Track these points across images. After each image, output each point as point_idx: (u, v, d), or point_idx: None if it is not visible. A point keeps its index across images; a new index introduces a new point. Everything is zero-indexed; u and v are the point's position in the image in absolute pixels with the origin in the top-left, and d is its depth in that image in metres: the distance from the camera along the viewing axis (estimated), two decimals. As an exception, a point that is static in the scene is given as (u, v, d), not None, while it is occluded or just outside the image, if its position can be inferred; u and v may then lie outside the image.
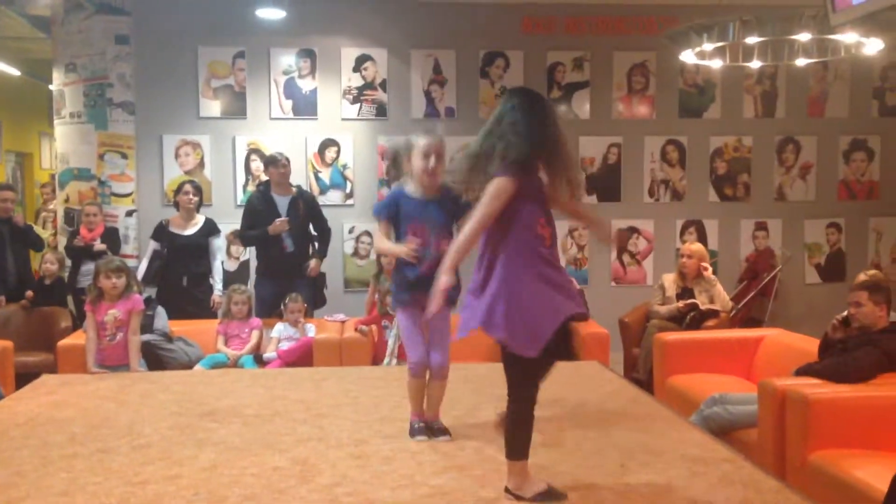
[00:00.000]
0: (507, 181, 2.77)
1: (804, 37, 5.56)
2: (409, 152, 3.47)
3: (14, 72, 11.02)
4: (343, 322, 6.13)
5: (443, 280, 2.89)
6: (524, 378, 2.87)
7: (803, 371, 4.18)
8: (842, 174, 8.66)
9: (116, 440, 3.48)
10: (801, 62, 6.24)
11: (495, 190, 2.77)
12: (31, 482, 2.96)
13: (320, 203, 6.97)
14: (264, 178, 7.73)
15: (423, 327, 3.50)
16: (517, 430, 2.85)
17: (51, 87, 8.34)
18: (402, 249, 3.38)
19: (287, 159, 6.40)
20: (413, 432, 3.54)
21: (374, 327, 5.77)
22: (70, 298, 6.93)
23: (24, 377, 5.08)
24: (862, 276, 5.28)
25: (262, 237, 6.23)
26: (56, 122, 7.98)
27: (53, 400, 4.21)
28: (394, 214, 3.50)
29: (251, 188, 7.84)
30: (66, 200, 7.75)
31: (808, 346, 4.74)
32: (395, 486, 2.91)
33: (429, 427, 3.56)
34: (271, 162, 6.35)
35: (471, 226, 2.83)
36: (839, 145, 8.63)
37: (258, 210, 6.29)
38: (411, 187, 3.51)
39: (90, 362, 4.95)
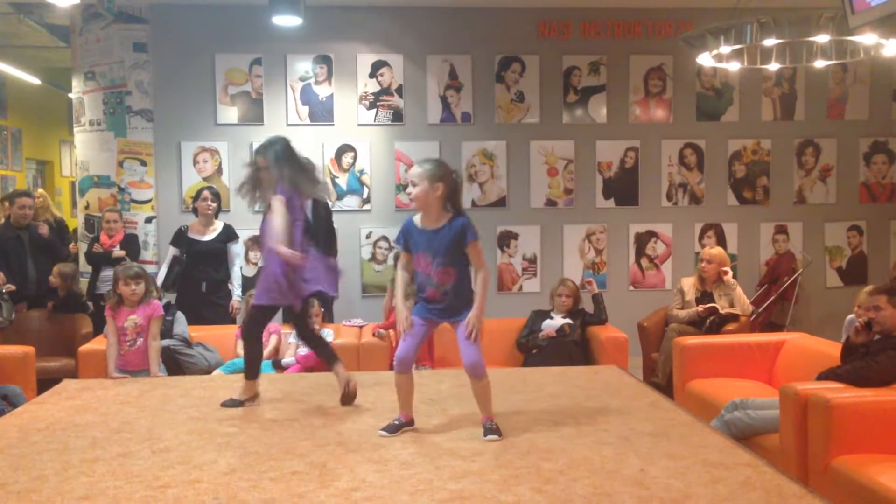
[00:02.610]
0: None
1: (822, 38, 5.52)
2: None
3: (34, 80, 11.14)
4: (361, 327, 6.14)
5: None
6: None
7: (825, 375, 4.14)
8: (862, 176, 8.59)
9: (137, 445, 3.49)
10: (819, 64, 6.20)
11: None
12: (53, 486, 2.97)
13: (337, 209, 7.47)
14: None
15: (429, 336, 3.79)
16: None
17: (70, 95, 8.43)
18: (402, 323, 3.63)
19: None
20: (387, 427, 3.62)
21: (391, 332, 5.77)
22: (91, 304, 6.98)
23: (45, 382, 5.12)
24: None
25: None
26: (76, 129, 8.06)
27: (74, 405, 4.23)
28: (408, 244, 3.64)
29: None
30: (87, 207, 7.82)
31: (830, 350, 4.70)
32: (413, 490, 2.90)
33: (483, 426, 3.60)
34: None
35: None
36: (859, 147, 8.56)
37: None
38: (419, 217, 3.65)
39: (111, 367, 4.98)
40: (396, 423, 3.64)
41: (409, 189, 3.57)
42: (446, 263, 3.54)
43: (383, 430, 3.59)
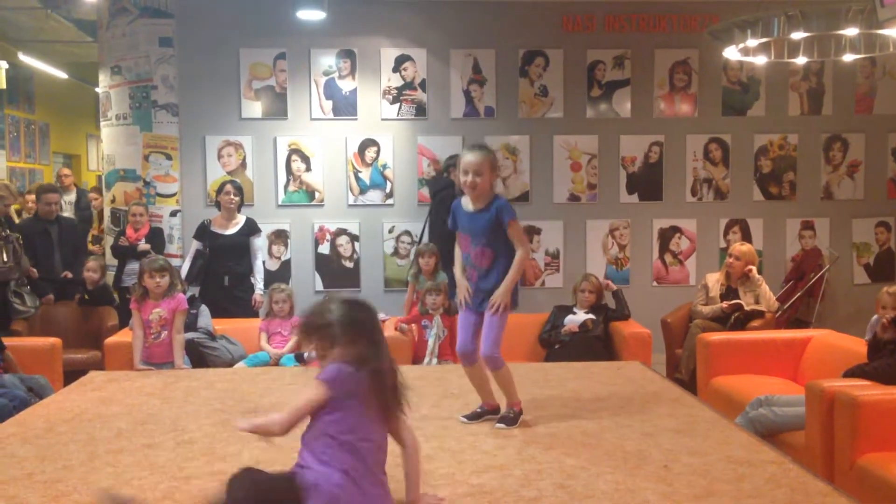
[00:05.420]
0: None
1: (851, 32, 5.45)
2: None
3: (62, 75, 11.27)
4: (383, 321, 6.14)
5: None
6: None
7: (852, 373, 4.10)
8: (891, 172, 8.47)
9: (161, 436, 3.52)
10: (848, 58, 6.12)
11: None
12: (79, 476, 3.01)
13: (358, 203, 7.79)
14: (306, 178, 7.88)
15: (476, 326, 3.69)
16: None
17: (97, 89, 8.50)
18: (462, 292, 3.70)
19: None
20: (469, 414, 3.73)
21: (414, 326, 5.78)
22: (116, 297, 7.05)
23: (72, 374, 5.18)
24: None
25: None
26: (102, 123, 8.13)
27: (100, 396, 4.28)
28: (455, 223, 3.72)
29: (293, 188, 7.92)
30: (113, 201, 7.89)
31: (857, 347, 4.64)
32: (434, 484, 2.90)
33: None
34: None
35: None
36: (888, 143, 8.44)
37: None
38: (466, 199, 3.70)
39: (136, 359, 5.03)
40: (479, 410, 3.72)
41: (469, 178, 3.56)
42: (484, 245, 3.60)
43: (465, 416, 3.69)
